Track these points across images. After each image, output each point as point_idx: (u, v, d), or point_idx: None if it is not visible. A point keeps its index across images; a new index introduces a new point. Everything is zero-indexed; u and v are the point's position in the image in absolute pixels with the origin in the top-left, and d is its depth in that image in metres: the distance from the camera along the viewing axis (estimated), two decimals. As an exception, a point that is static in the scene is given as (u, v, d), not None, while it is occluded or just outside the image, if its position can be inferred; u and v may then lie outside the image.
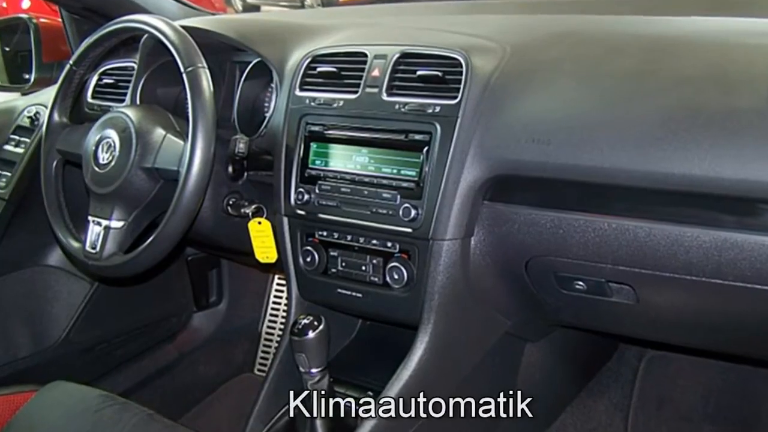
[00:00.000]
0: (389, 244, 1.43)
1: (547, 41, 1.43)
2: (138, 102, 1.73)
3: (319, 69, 1.53)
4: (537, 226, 1.33)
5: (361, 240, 1.46)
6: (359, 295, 1.49)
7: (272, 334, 2.53)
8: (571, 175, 1.25)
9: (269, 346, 2.52)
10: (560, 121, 1.27)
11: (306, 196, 1.50)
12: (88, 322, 2.14)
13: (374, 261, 1.46)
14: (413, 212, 1.37)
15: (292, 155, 1.52)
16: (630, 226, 1.25)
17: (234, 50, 1.73)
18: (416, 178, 1.37)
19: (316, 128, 1.50)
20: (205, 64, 1.48)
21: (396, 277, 1.43)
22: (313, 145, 1.50)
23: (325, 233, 1.51)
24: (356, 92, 1.46)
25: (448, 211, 1.35)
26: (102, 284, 2.14)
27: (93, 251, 1.55)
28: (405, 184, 1.39)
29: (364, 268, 1.47)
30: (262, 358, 2.52)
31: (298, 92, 1.54)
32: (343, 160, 1.47)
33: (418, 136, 1.38)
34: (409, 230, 1.39)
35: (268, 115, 1.61)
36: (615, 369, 2.11)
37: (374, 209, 1.42)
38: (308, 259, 1.54)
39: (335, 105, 1.48)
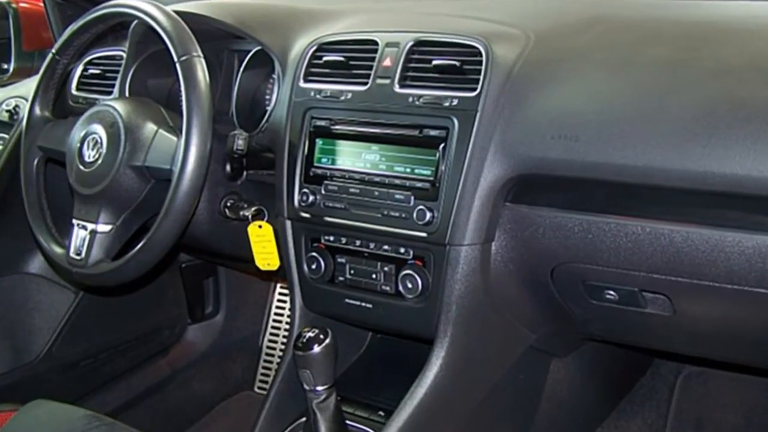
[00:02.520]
0: (402, 250, 1.43)
1: (574, 27, 1.43)
2: (127, 94, 1.74)
3: (325, 58, 1.53)
4: (564, 230, 1.34)
5: (372, 245, 1.47)
6: (369, 305, 1.50)
7: (274, 349, 2.54)
8: (601, 174, 1.25)
9: (270, 362, 2.53)
10: (589, 116, 1.27)
11: (311, 198, 1.51)
12: (73, 336, 2.15)
13: (386, 268, 1.46)
14: (428, 215, 1.38)
15: (296, 153, 1.53)
16: (665, 230, 1.25)
17: (232, 38, 1.74)
18: (432, 178, 1.38)
19: (322, 123, 1.51)
20: (200, 53, 1.49)
21: (410, 286, 1.43)
22: (319, 142, 1.51)
23: (331, 238, 1.52)
24: (366, 84, 1.47)
25: (467, 213, 1.35)
26: (87, 294, 2.15)
27: (78, 258, 1.56)
28: (419, 185, 1.39)
29: (374, 276, 1.48)
30: (262, 374, 2.53)
31: (302, 84, 1.55)
32: (352, 157, 1.47)
33: (433, 132, 1.38)
34: (424, 235, 1.39)
35: (269, 108, 1.62)
36: (649, 386, 2.11)
37: (386, 212, 1.43)
38: (313, 267, 1.54)
39: (343, 98, 1.49)
